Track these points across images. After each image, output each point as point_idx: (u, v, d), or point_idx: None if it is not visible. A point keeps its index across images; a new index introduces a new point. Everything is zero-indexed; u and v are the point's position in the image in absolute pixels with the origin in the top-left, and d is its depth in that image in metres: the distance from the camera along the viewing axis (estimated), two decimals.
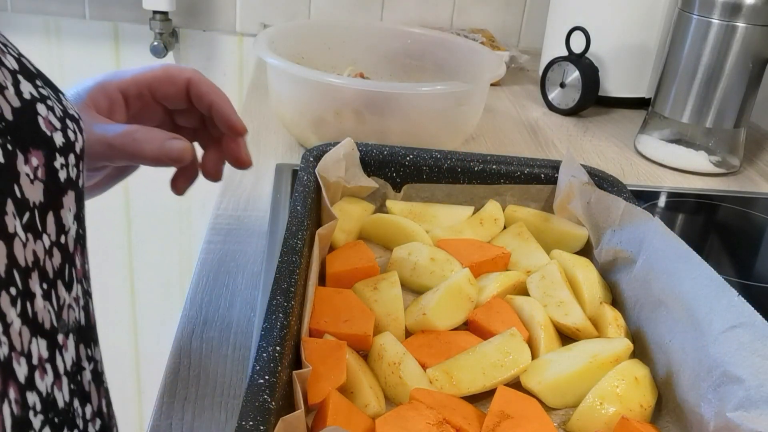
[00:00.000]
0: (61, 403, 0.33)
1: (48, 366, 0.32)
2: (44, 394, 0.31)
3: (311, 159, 0.61)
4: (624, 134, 1.02)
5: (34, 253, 0.31)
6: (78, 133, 0.35)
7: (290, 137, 0.88)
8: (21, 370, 0.30)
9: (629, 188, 0.63)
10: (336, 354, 0.44)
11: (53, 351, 0.33)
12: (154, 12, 1.24)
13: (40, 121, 0.32)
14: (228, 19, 1.32)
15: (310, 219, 0.53)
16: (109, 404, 0.39)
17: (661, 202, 0.83)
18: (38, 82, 0.33)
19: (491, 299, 0.53)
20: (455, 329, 0.52)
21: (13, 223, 0.30)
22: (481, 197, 0.66)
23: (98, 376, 0.38)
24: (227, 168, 0.81)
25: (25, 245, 0.30)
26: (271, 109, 0.87)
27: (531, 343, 0.50)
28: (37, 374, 0.31)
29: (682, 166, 0.91)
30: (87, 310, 0.37)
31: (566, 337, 0.53)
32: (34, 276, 0.31)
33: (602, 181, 0.63)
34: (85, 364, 0.36)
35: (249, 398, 0.35)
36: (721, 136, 0.90)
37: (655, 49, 1.04)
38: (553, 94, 1.07)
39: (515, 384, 0.47)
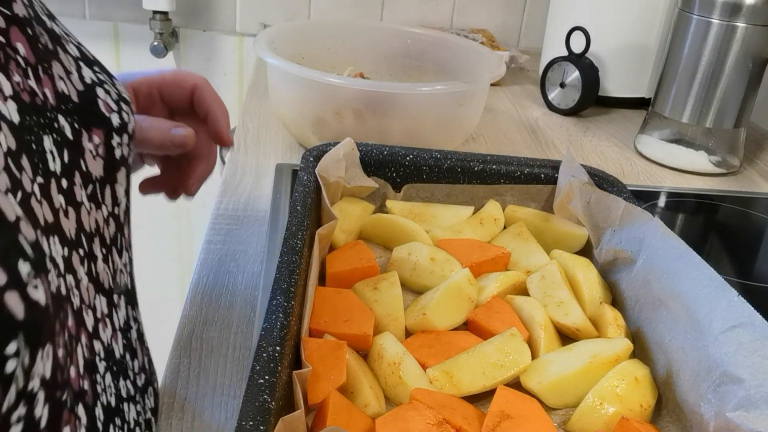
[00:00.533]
0: (117, 355, 0.37)
1: (107, 320, 0.36)
2: (105, 344, 0.35)
3: (311, 159, 0.61)
4: (624, 134, 1.02)
5: (96, 221, 0.35)
6: (130, 115, 0.38)
7: (290, 137, 0.88)
8: (89, 321, 0.33)
9: (629, 188, 0.63)
10: (336, 354, 0.44)
11: (111, 308, 0.36)
12: (154, 12, 1.24)
13: (100, 103, 0.35)
14: (228, 19, 1.32)
15: (310, 219, 0.53)
16: (150, 361, 0.43)
17: (661, 202, 0.83)
18: (96, 68, 0.36)
19: (491, 299, 0.53)
20: (455, 329, 0.52)
21: (80, 193, 0.33)
22: (481, 197, 0.66)
23: (141, 336, 0.41)
24: (227, 168, 0.81)
25: (89, 213, 0.34)
26: (271, 109, 0.87)
27: (531, 343, 0.50)
28: (100, 326, 0.35)
29: (682, 166, 0.91)
30: (131, 275, 0.40)
31: (566, 337, 0.53)
32: (96, 241, 0.35)
33: (602, 181, 0.63)
34: (132, 323, 0.40)
35: (249, 398, 0.35)
36: (721, 136, 0.90)
37: (655, 49, 1.04)
38: (553, 94, 1.07)
39: (515, 384, 0.47)
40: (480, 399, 0.46)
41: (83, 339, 0.32)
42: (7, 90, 0.28)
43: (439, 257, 0.57)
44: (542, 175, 0.65)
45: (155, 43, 1.26)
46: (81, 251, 0.33)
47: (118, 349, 0.37)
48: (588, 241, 0.60)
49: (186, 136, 0.50)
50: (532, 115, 1.05)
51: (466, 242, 0.60)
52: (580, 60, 1.02)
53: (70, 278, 0.31)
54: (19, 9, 0.30)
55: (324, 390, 0.41)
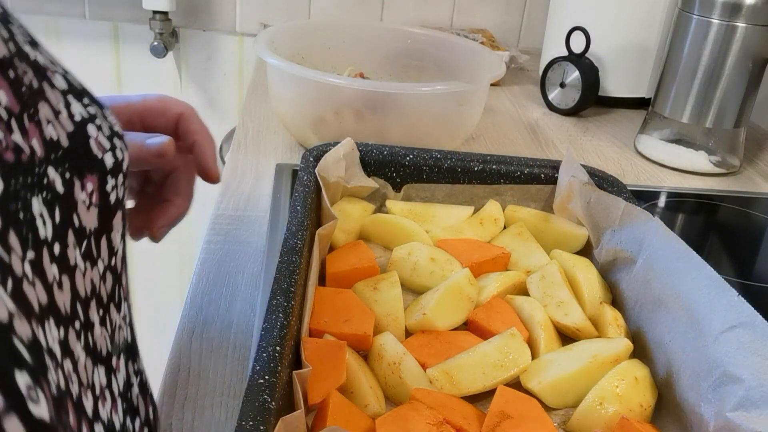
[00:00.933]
0: (117, 426, 0.33)
1: (107, 392, 0.32)
2: (106, 422, 0.31)
3: (311, 159, 0.61)
4: (624, 134, 1.02)
5: (92, 281, 0.31)
6: (124, 151, 0.34)
7: (290, 137, 0.88)
8: (88, 404, 0.30)
9: (629, 188, 0.63)
10: (336, 354, 0.44)
11: (109, 376, 0.33)
12: (154, 12, 1.24)
13: (92, 143, 0.32)
14: (228, 19, 1.32)
15: (310, 219, 0.53)
16: (155, 409, 0.39)
17: (661, 202, 0.83)
18: (86, 101, 0.33)
19: (491, 299, 0.53)
20: (455, 329, 0.52)
21: (74, 254, 0.29)
22: (481, 197, 0.66)
23: (144, 387, 0.37)
24: (227, 168, 0.81)
25: (84, 275, 0.30)
26: (271, 109, 0.87)
27: (531, 343, 0.50)
28: (99, 404, 0.31)
29: (682, 166, 0.91)
30: (131, 325, 0.37)
31: (566, 337, 0.53)
32: (93, 304, 0.31)
33: (602, 181, 0.63)
34: (134, 379, 0.36)
35: (249, 398, 0.35)
36: (721, 136, 0.90)
37: (655, 49, 1.04)
38: (553, 94, 1.07)
39: (515, 384, 0.47)
40: (480, 399, 0.46)
41: (84, 430, 0.28)
42: None
43: (439, 257, 0.57)
44: (542, 175, 0.65)
45: (155, 43, 1.26)
46: (77, 324, 0.29)
47: (118, 419, 0.33)
48: (588, 241, 0.60)
49: (162, 144, 0.45)
50: (532, 115, 1.05)
51: (466, 242, 0.60)
52: (580, 60, 1.02)
53: (68, 364, 0.27)
54: (1, 50, 0.27)
55: (324, 390, 0.41)
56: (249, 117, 0.95)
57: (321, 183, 0.58)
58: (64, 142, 0.30)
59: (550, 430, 0.43)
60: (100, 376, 0.32)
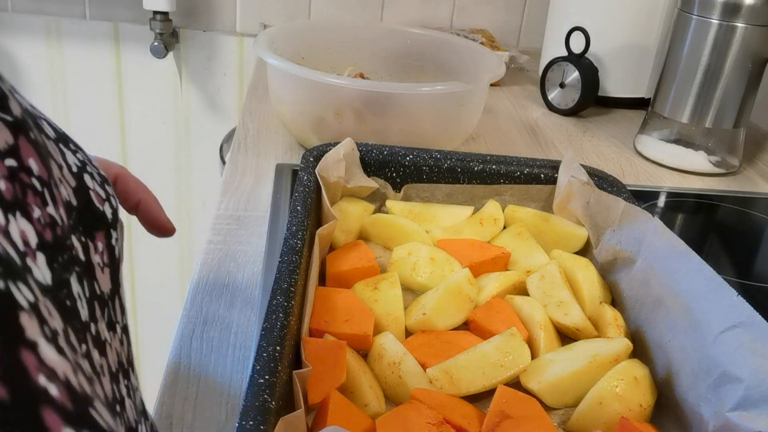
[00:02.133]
0: None
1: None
2: None
3: (311, 159, 0.61)
4: (624, 134, 1.02)
5: (116, 351, 0.28)
6: (116, 198, 0.31)
7: (290, 137, 0.88)
8: None
9: (629, 188, 0.63)
10: (336, 354, 0.44)
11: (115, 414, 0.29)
12: (155, 12, 1.24)
13: (92, 196, 0.29)
14: (228, 19, 1.32)
15: (310, 219, 0.53)
16: (153, 427, 0.36)
17: (661, 202, 0.83)
18: (72, 146, 0.29)
19: (491, 299, 0.54)
20: (455, 329, 0.52)
21: (103, 329, 0.27)
22: (480, 197, 0.66)
23: (140, 404, 0.33)
24: (227, 168, 0.81)
25: (112, 347, 0.27)
26: (271, 109, 0.87)
27: (531, 343, 0.50)
28: None
29: (682, 166, 0.91)
30: (129, 344, 0.33)
31: (566, 337, 0.53)
32: (121, 378, 0.28)
33: (602, 181, 0.63)
34: (128, 402, 0.31)
35: (249, 398, 0.35)
36: (721, 136, 0.90)
37: (654, 50, 1.04)
38: (553, 95, 1.07)
39: (515, 384, 0.47)
40: (480, 399, 0.46)
41: None
42: (33, 239, 0.22)
43: (439, 257, 0.57)
44: (542, 175, 0.65)
45: (155, 44, 1.26)
46: (117, 407, 0.26)
47: None
48: (588, 241, 0.60)
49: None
50: (531, 116, 1.05)
51: (466, 242, 0.60)
52: (579, 60, 1.02)
53: None
54: (15, 107, 0.23)
55: (324, 390, 0.41)
56: (249, 117, 0.95)
57: (321, 183, 0.58)
58: (74, 201, 0.27)
59: (550, 429, 0.43)
60: (125, 406, 0.29)
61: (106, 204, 0.29)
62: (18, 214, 0.21)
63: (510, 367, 0.47)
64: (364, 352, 0.48)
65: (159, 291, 1.53)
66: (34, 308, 0.18)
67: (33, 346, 0.16)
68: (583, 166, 0.63)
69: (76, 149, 0.29)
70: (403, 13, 1.34)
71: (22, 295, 0.18)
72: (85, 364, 0.22)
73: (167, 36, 1.27)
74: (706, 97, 0.88)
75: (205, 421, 0.46)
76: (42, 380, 0.16)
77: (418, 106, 0.78)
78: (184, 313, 0.56)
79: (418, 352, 0.47)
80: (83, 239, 0.27)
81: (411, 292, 0.56)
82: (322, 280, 0.55)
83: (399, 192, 0.66)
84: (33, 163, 0.23)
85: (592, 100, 1.05)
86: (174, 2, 1.22)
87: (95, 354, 0.25)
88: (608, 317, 0.52)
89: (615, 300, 0.56)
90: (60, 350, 0.18)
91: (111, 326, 0.28)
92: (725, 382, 0.40)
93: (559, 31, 1.05)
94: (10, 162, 0.22)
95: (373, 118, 0.77)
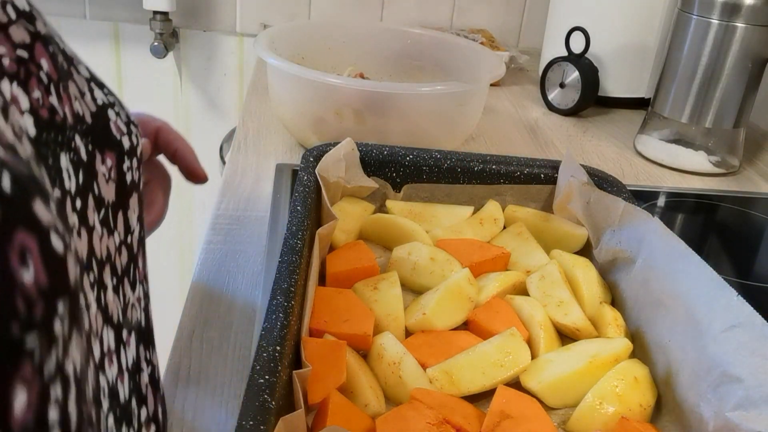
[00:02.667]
0: (121, 398, 0.34)
1: (114, 357, 0.33)
2: (110, 382, 0.32)
3: (311, 159, 0.61)
4: (623, 134, 1.02)
5: (107, 248, 0.33)
6: (139, 137, 0.37)
7: (290, 137, 0.88)
8: (96, 351, 0.30)
9: (629, 188, 0.63)
10: (336, 354, 0.44)
11: (119, 344, 0.34)
12: (155, 12, 1.24)
13: (111, 125, 0.35)
14: (228, 19, 1.32)
15: (310, 219, 0.53)
16: (164, 412, 0.38)
17: (661, 202, 0.83)
18: (105, 90, 0.36)
19: (491, 299, 0.54)
20: (455, 329, 0.52)
21: (93, 217, 0.32)
22: (481, 197, 0.66)
23: (155, 382, 0.37)
24: (227, 168, 0.81)
25: (101, 239, 0.32)
26: (271, 109, 0.87)
27: (531, 343, 0.50)
28: (106, 360, 0.32)
29: (682, 166, 0.91)
30: (147, 312, 0.38)
31: (566, 336, 0.53)
32: (107, 269, 0.33)
33: (602, 181, 0.63)
34: (144, 365, 0.37)
35: (249, 398, 0.35)
36: (721, 136, 0.90)
37: (654, 50, 1.04)
38: (553, 95, 1.07)
39: (515, 384, 0.47)
40: (480, 399, 0.46)
41: (90, 370, 0.28)
42: (24, 104, 0.27)
43: (439, 257, 0.57)
44: (542, 175, 0.65)
45: (155, 44, 1.26)
46: (91, 276, 0.31)
47: (123, 393, 0.34)
48: (588, 241, 0.60)
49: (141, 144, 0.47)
50: (531, 116, 1.06)
51: (466, 242, 0.60)
52: (579, 60, 1.02)
53: (80, 298, 0.29)
54: (41, 27, 0.30)
55: (324, 390, 0.41)
56: (249, 117, 0.95)
57: (321, 183, 0.58)
58: (88, 119, 0.33)
59: (550, 429, 0.43)
60: (109, 337, 0.32)
61: (125, 137, 0.35)
62: (15, 83, 0.27)
63: (510, 367, 0.47)
64: (364, 352, 0.48)
65: (159, 291, 1.53)
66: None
67: None
68: (583, 166, 0.63)
69: (109, 93, 0.35)
70: (403, 13, 1.34)
71: None
72: (52, 205, 0.25)
73: (167, 36, 1.27)
74: (706, 97, 0.88)
75: (205, 421, 0.46)
76: None
77: (418, 106, 0.78)
78: (184, 313, 0.56)
79: (418, 352, 0.47)
80: (90, 147, 0.32)
81: (411, 292, 0.56)
82: (322, 280, 0.55)
83: (399, 192, 0.66)
84: (44, 63, 0.29)
85: (592, 100, 1.05)
86: (174, 2, 1.22)
87: (74, 217, 0.29)
88: (608, 317, 0.52)
89: (615, 300, 0.56)
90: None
91: (106, 226, 0.33)
92: (725, 382, 0.40)
93: (559, 31, 1.05)
94: (22, 53, 0.28)
95: (373, 118, 0.77)
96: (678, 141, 0.92)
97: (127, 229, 0.35)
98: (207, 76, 1.37)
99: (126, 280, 0.35)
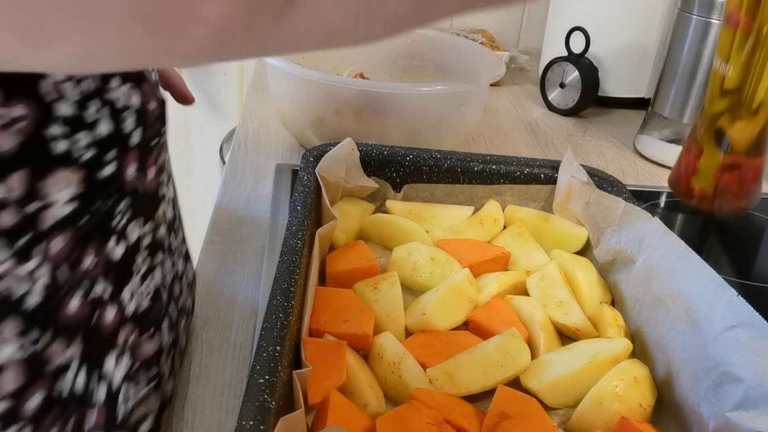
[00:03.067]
0: (167, 268, 0.44)
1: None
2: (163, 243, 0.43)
3: (311, 159, 0.61)
4: (624, 134, 1.02)
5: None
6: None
7: (290, 137, 0.88)
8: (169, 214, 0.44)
9: (629, 188, 0.63)
10: (336, 354, 0.44)
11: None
12: None
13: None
14: None
15: (310, 219, 0.53)
16: (191, 312, 0.51)
17: (661, 202, 0.83)
18: None
19: (491, 299, 0.54)
20: (455, 329, 0.52)
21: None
22: (480, 197, 0.66)
23: (191, 282, 0.51)
24: (227, 168, 0.81)
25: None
26: (271, 109, 0.87)
27: (531, 342, 0.50)
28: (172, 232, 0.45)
29: None
30: (174, 203, 0.48)
31: (566, 336, 0.53)
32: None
33: (602, 181, 0.63)
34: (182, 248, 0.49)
35: (249, 398, 0.35)
36: None
37: (654, 50, 1.04)
38: (553, 95, 1.07)
39: (515, 384, 0.47)
40: (480, 399, 0.46)
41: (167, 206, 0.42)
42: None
43: (439, 257, 0.57)
44: (542, 175, 0.65)
45: None
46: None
47: (171, 267, 0.45)
48: (588, 241, 0.60)
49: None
50: (531, 116, 1.06)
51: (466, 242, 0.60)
52: (579, 60, 1.02)
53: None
54: None
55: (324, 390, 0.41)
56: (249, 117, 0.95)
57: (321, 183, 0.58)
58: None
59: (550, 429, 0.43)
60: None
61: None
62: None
63: (510, 367, 0.47)
64: (364, 352, 0.48)
65: None
66: None
67: None
68: (583, 166, 0.63)
69: None
70: None
71: None
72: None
73: None
74: None
75: (205, 421, 0.46)
76: None
77: (418, 106, 0.78)
78: None
79: (418, 352, 0.47)
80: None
81: (411, 292, 0.56)
82: (322, 280, 0.55)
83: (399, 192, 0.66)
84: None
85: (592, 100, 1.05)
86: None
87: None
88: (608, 317, 0.52)
89: (615, 300, 0.56)
90: None
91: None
92: (725, 382, 0.40)
93: (559, 31, 1.05)
94: None
95: (373, 118, 0.77)
96: (678, 141, 0.92)
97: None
98: (207, 76, 1.37)
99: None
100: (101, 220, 0.34)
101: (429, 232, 0.61)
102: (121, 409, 0.38)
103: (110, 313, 0.36)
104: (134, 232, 0.38)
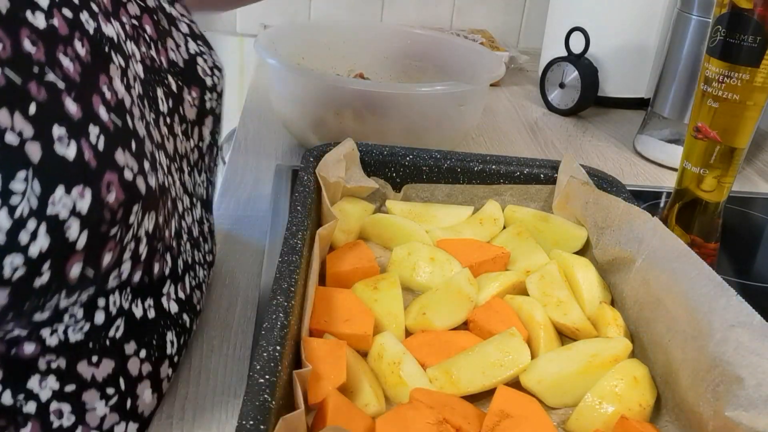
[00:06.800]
0: (195, 234, 0.50)
1: (190, 212, 0.49)
2: (188, 225, 0.48)
3: (311, 159, 0.61)
4: (623, 134, 1.02)
5: (186, 149, 0.47)
6: (221, 79, 0.50)
7: (290, 137, 0.88)
8: (180, 207, 0.46)
9: (628, 188, 0.63)
10: (336, 354, 0.44)
11: (192, 206, 0.49)
12: None
13: (198, 69, 0.48)
14: (228, 20, 1.32)
15: (310, 219, 0.53)
16: (214, 244, 0.56)
17: (661, 202, 0.83)
18: (199, 42, 0.49)
19: (491, 299, 0.54)
20: (455, 329, 0.52)
21: (178, 128, 0.46)
22: (480, 197, 0.66)
23: (211, 230, 0.55)
24: (227, 168, 0.81)
25: (182, 143, 0.47)
26: (271, 109, 0.87)
27: (530, 342, 0.50)
28: (186, 213, 0.48)
29: None
30: (208, 191, 0.53)
31: (566, 336, 0.53)
32: (185, 162, 0.47)
33: (601, 181, 0.63)
34: (205, 221, 0.53)
35: (249, 398, 0.35)
36: None
37: (654, 50, 1.05)
38: (553, 95, 1.07)
39: (515, 383, 0.47)
40: (480, 398, 0.46)
41: (176, 216, 0.44)
42: (138, 56, 0.40)
43: (439, 257, 0.57)
44: (542, 175, 0.65)
45: None
46: (175, 165, 0.45)
47: (195, 231, 0.50)
48: (587, 241, 0.60)
49: None
50: (531, 116, 1.06)
51: (466, 242, 0.60)
52: (579, 60, 1.02)
53: (169, 178, 0.42)
54: (150, 1, 0.44)
55: (324, 390, 0.41)
56: (249, 117, 0.95)
57: (321, 183, 0.58)
58: (181, 64, 0.47)
59: (550, 429, 0.43)
60: (186, 201, 0.48)
61: (208, 77, 0.49)
62: (132, 42, 0.40)
63: (510, 367, 0.47)
64: (364, 352, 0.48)
65: None
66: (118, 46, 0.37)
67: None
68: (582, 166, 0.63)
69: (203, 44, 0.49)
70: (403, 13, 1.34)
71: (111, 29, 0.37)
72: (151, 119, 0.41)
73: None
74: None
75: (205, 421, 0.46)
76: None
77: (418, 106, 0.78)
78: None
79: (418, 352, 0.48)
80: (180, 83, 0.46)
81: (411, 292, 0.56)
82: (322, 280, 0.55)
83: (399, 192, 0.66)
84: (148, 28, 0.43)
85: (591, 101, 1.05)
86: None
87: (164, 128, 0.43)
88: (608, 317, 0.52)
89: (614, 300, 0.56)
90: (127, 86, 0.36)
91: (186, 135, 0.47)
92: (725, 382, 0.40)
93: (558, 31, 1.05)
94: (134, 22, 0.42)
95: (373, 118, 0.77)
96: (678, 141, 0.92)
97: (200, 138, 0.49)
98: None
99: (195, 170, 0.49)
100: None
101: (429, 232, 0.61)
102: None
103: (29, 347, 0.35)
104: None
